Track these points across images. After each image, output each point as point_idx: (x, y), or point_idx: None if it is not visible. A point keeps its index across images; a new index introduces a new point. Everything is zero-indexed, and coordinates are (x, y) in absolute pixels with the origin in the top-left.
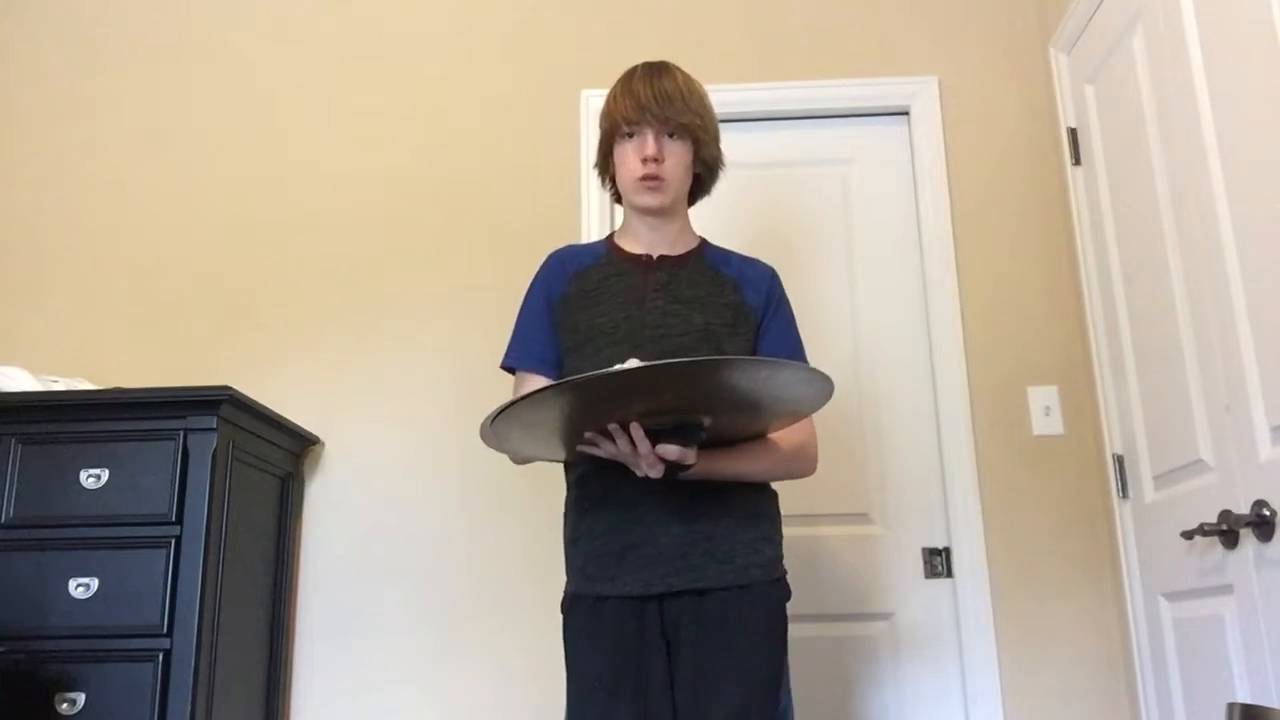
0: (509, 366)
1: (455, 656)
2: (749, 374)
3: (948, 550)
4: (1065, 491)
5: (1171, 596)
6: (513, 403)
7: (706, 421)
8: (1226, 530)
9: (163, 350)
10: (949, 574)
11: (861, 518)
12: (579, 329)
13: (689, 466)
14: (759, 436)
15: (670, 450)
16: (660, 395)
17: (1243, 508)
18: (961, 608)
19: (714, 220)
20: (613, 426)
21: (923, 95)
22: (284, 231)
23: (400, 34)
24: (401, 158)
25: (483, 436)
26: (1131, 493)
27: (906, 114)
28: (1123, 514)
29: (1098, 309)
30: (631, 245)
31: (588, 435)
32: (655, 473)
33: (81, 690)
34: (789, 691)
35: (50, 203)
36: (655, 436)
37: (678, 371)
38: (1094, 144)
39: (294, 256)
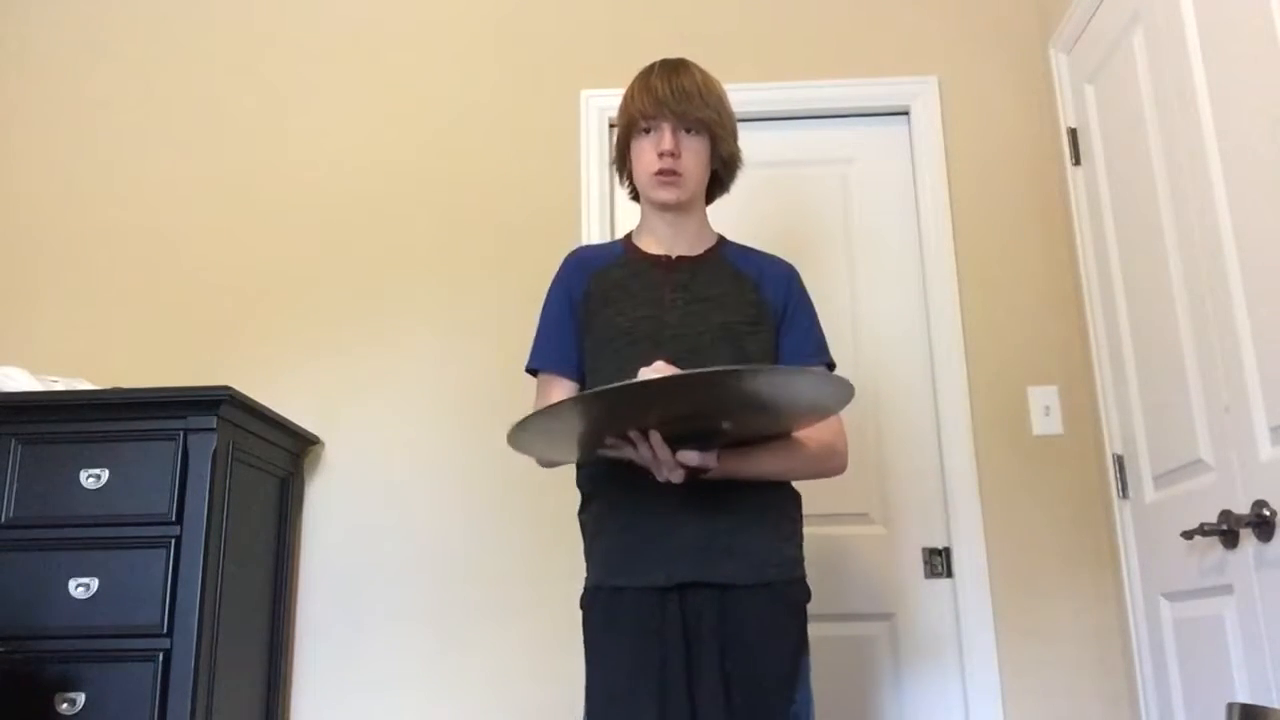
0: (533, 369)
1: (455, 656)
2: (765, 383)
3: (948, 550)
4: (1065, 491)
5: (1171, 596)
6: (530, 417)
7: (726, 426)
8: (1226, 530)
9: (163, 350)
10: (949, 574)
11: (861, 518)
12: (599, 330)
13: (710, 470)
14: (783, 435)
15: (690, 456)
16: (675, 405)
17: (1243, 508)
18: (961, 608)
19: (714, 220)
20: (633, 434)
21: (923, 95)
22: (284, 231)
23: (400, 34)
24: (401, 158)
25: (510, 442)
26: (1131, 493)
27: (906, 114)
28: (1123, 514)
29: (1098, 309)
30: (650, 244)
31: (609, 442)
32: (677, 478)
33: (81, 690)
34: (808, 690)
35: (50, 203)
36: (675, 442)
37: (691, 383)
38: (1094, 144)
39: (294, 257)
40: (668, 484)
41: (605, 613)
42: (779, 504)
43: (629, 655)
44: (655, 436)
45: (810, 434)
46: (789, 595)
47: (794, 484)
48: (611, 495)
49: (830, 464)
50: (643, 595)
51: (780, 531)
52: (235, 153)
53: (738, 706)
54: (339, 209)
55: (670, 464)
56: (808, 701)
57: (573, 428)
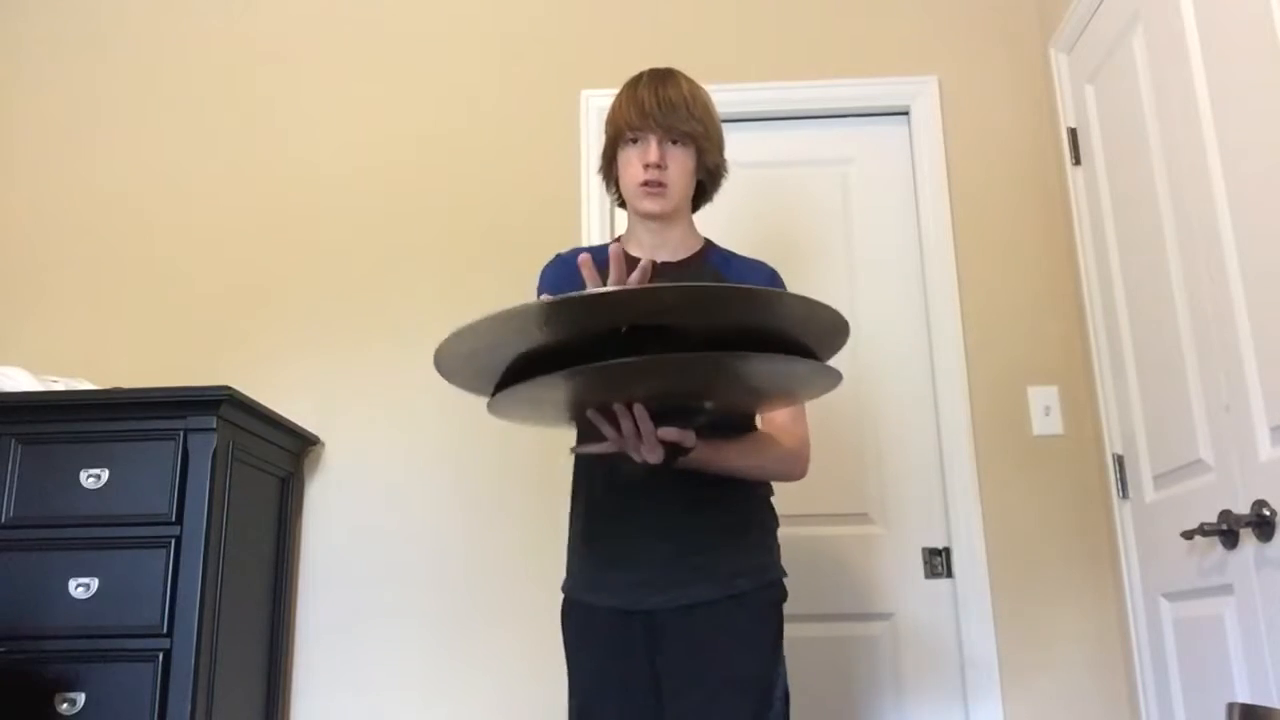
0: None
1: (455, 656)
2: (761, 367)
3: (948, 550)
4: (1065, 491)
5: (1171, 596)
6: (517, 384)
7: (710, 405)
8: (1226, 530)
9: (163, 350)
10: (949, 574)
11: (861, 518)
12: None
13: (688, 451)
14: (751, 417)
15: (670, 432)
16: (668, 379)
17: (1243, 508)
18: (961, 608)
19: (714, 220)
20: (617, 407)
21: (923, 95)
22: (284, 231)
23: (400, 34)
24: (401, 158)
25: (491, 411)
26: (1131, 493)
27: (906, 114)
28: (1123, 514)
29: (1098, 309)
30: (635, 250)
31: (590, 415)
32: (654, 457)
33: (81, 690)
34: (785, 689)
35: (51, 203)
36: (656, 420)
37: (688, 361)
38: (1094, 144)
39: (294, 257)
40: (640, 499)
41: (579, 626)
42: (750, 512)
43: (599, 668)
44: (640, 411)
45: (779, 435)
46: (761, 600)
47: (769, 488)
48: (587, 503)
49: (795, 467)
50: (610, 614)
51: (750, 539)
52: (235, 152)
53: (714, 716)
54: (339, 209)
55: (651, 439)
56: (784, 700)
57: (557, 399)
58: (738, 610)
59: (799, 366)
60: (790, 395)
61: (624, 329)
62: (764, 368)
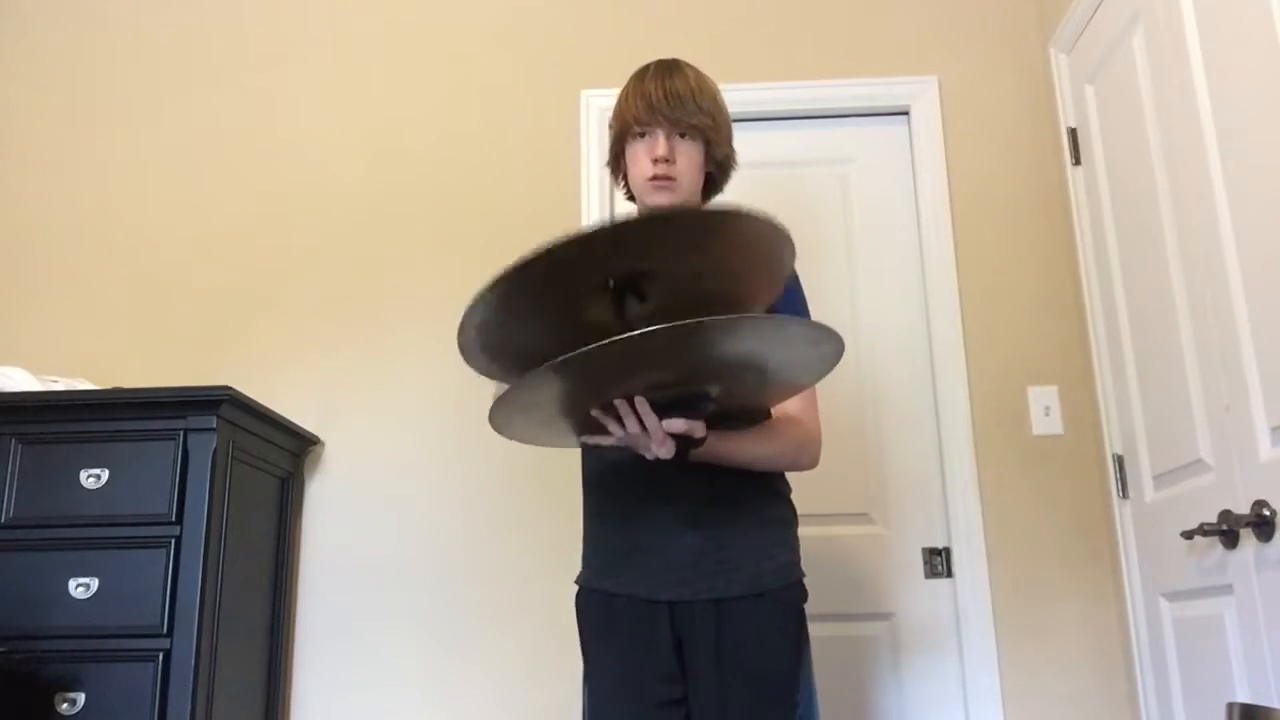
0: None
1: (455, 656)
2: (754, 332)
3: (948, 550)
4: (1065, 491)
5: (1171, 596)
6: (511, 389)
7: (714, 391)
8: (1226, 530)
9: (163, 350)
10: (949, 574)
11: (861, 517)
12: None
13: (699, 442)
14: (763, 408)
15: (677, 424)
16: (661, 365)
17: (1243, 508)
18: (961, 608)
19: None
20: (618, 403)
21: (923, 95)
22: (284, 232)
23: (400, 34)
24: (401, 158)
25: (492, 424)
26: (1131, 493)
27: (906, 114)
28: (1123, 514)
29: (1098, 309)
30: None
31: (594, 414)
32: (665, 451)
33: (81, 690)
34: (810, 688)
35: (51, 203)
36: (661, 412)
37: (676, 336)
38: (1094, 144)
39: (294, 257)
40: (660, 493)
41: (596, 617)
42: (773, 509)
43: (619, 659)
44: (642, 405)
45: (790, 423)
46: (785, 600)
47: (787, 486)
48: (608, 493)
49: (807, 454)
50: (633, 603)
51: (774, 536)
52: (235, 152)
53: (739, 714)
54: (339, 209)
55: (658, 434)
56: (810, 698)
57: (553, 399)
58: (763, 611)
59: (792, 328)
60: (790, 375)
61: (611, 283)
62: (753, 331)
